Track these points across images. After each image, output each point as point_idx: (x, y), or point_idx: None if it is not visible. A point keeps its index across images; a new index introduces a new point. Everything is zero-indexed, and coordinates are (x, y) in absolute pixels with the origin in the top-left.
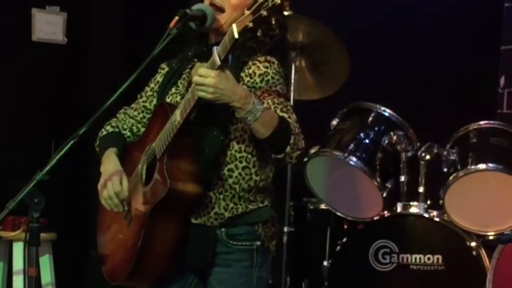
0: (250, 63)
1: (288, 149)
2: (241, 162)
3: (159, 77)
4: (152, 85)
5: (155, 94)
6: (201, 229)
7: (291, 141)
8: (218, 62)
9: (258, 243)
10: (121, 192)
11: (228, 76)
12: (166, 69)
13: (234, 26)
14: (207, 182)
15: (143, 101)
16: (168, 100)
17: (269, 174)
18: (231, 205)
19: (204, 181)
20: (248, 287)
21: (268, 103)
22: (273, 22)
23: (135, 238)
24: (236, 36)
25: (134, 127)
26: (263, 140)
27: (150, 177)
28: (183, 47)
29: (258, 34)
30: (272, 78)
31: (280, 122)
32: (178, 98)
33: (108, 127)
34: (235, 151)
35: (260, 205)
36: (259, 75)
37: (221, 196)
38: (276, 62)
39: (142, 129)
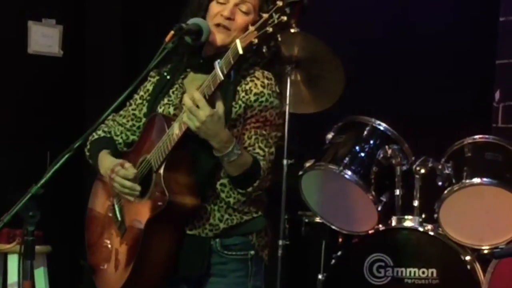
0: (248, 78)
1: (250, 189)
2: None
3: (149, 85)
4: (141, 93)
5: (144, 102)
6: (196, 240)
7: (255, 184)
8: (221, 77)
9: (252, 252)
10: (127, 173)
11: (219, 118)
12: (157, 77)
13: (238, 41)
14: (203, 194)
15: (132, 109)
16: (160, 110)
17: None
18: (226, 216)
19: (200, 193)
20: None
21: (250, 134)
22: (279, 39)
23: (130, 250)
24: (241, 52)
25: (123, 135)
26: (229, 176)
27: (145, 188)
28: (174, 56)
29: (264, 50)
30: (267, 100)
31: (252, 167)
32: (171, 109)
33: (99, 132)
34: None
35: (254, 215)
36: (255, 94)
37: (216, 208)
38: (273, 79)
39: (132, 137)
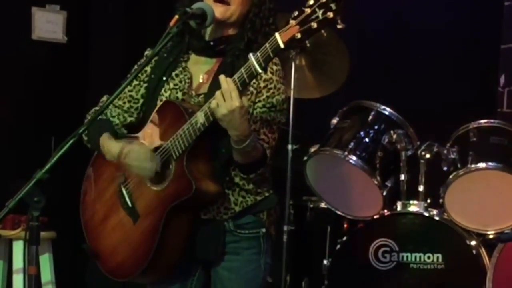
0: None
1: (252, 175)
2: None
3: (146, 67)
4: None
5: (142, 83)
6: (211, 223)
7: (259, 171)
8: (259, 70)
9: (264, 230)
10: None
11: (246, 112)
12: (155, 57)
13: (277, 35)
14: (223, 180)
15: (128, 91)
16: (166, 94)
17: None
18: (240, 199)
19: (220, 179)
20: (256, 273)
21: (256, 119)
22: (324, 34)
23: (148, 236)
24: (282, 46)
25: (121, 116)
26: (236, 162)
27: (160, 175)
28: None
29: (308, 45)
30: (275, 86)
31: (261, 157)
32: (179, 94)
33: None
34: None
35: (266, 194)
36: (264, 80)
37: (230, 191)
38: (280, 65)
39: (129, 119)
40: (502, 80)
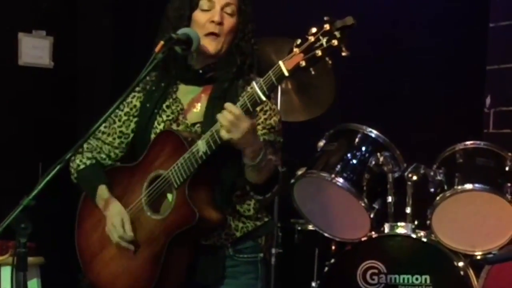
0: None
1: (268, 195)
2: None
3: (135, 101)
4: (126, 109)
5: (131, 118)
6: (212, 249)
7: (274, 190)
8: (263, 98)
9: (261, 255)
10: (124, 235)
11: (255, 129)
12: (143, 91)
13: (281, 63)
14: (225, 207)
15: (118, 126)
16: (160, 127)
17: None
18: (241, 225)
19: (222, 207)
20: None
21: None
22: (329, 62)
23: (150, 264)
24: (287, 74)
25: (112, 153)
26: (250, 182)
27: (157, 204)
28: (158, 69)
29: (312, 72)
30: (270, 108)
31: (274, 172)
32: (174, 125)
33: (84, 160)
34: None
35: (265, 219)
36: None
37: (230, 218)
38: None
39: (121, 154)
40: (488, 101)
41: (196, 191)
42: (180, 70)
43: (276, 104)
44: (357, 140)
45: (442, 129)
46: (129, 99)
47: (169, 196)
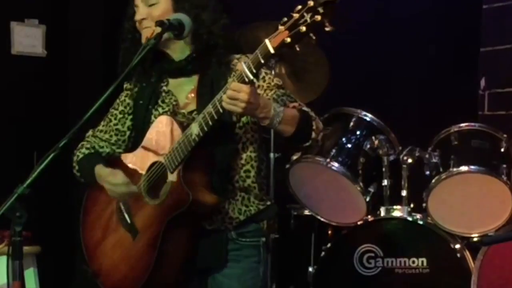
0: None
1: (313, 135)
2: (252, 166)
3: (128, 99)
4: (121, 107)
5: (126, 115)
6: (215, 233)
7: (314, 127)
8: (251, 77)
9: (264, 239)
10: (130, 188)
11: (256, 90)
12: (135, 89)
13: (267, 41)
14: (221, 190)
15: (114, 124)
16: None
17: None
18: (244, 208)
19: (217, 189)
20: (255, 281)
21: (273, 98)
22: (313, 37)
23: (147, 250)
24: (272, 51)
25: (109, 149)
26: (289, 137)
27: (156, 190)
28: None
29: (297, 48)
30: (269, 78)
31: (301, 115)
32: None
33: (83, 150)
34: (247, 155)
35: (268, 203)
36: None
37: (233, 201)
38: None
39: (118, 150)
40: (482, 83)
41: (190, 174)
42: (162, 64)
43: None
44: (351, 124)
45: (437, 112)
46: (122, 98)
47: (168, 181)
